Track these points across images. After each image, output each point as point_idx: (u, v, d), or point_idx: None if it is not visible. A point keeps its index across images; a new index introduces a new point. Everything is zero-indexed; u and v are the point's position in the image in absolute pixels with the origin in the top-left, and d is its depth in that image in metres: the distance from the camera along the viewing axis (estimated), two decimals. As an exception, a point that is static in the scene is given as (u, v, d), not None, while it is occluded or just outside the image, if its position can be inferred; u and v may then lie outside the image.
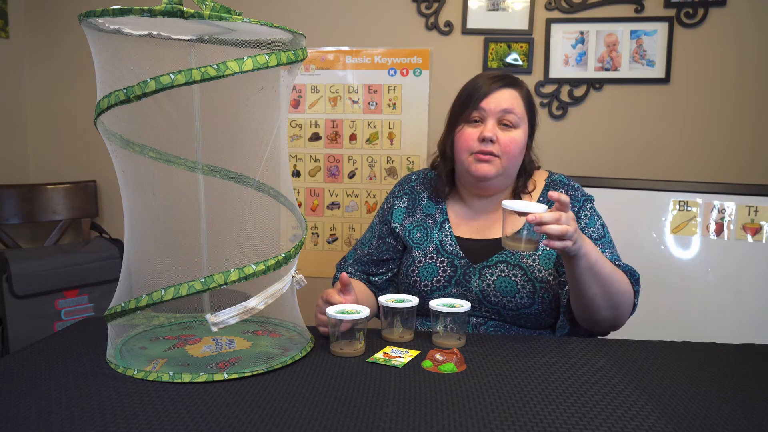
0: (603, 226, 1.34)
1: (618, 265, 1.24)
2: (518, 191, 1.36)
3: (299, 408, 0.84)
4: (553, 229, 1.05)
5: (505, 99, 1.29)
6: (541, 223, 1.05)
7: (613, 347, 1.12)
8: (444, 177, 1.38)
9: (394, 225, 1.39)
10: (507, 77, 1.32)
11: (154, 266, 1.07)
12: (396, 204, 1.42)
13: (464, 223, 1.36)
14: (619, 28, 2.25)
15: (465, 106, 1.30)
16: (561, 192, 1.34)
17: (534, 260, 1.28)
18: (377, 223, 1.44)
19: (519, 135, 1.29)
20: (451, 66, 2.34)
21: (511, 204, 1.09)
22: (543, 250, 1.28)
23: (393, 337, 1.14)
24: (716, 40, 2.22)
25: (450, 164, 1.36)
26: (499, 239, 1.30)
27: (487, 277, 1.28)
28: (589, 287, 1.15)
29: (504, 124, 1.28)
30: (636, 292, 1.24)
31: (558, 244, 1.06)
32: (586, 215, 1.32)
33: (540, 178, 1.39)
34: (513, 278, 1.26)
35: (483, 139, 1.26)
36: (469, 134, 1.29)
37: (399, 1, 2.36)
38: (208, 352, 1.06)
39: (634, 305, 1.24)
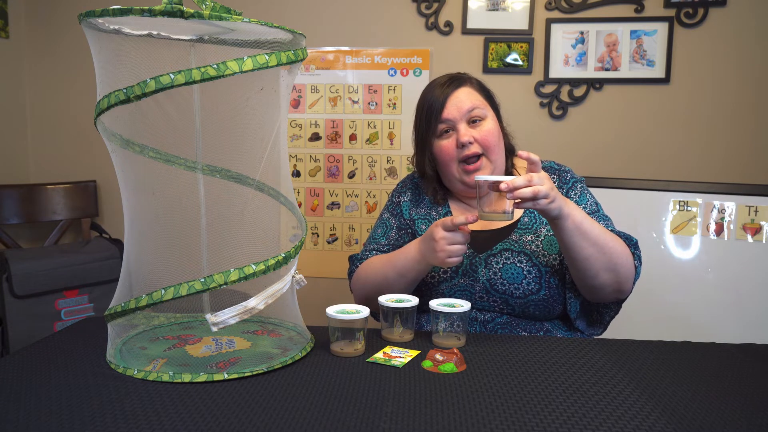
0: (596, 203, 1.34)
1: (615, 233, 1.24)
2: (509, 172, 1.38)
3: (299, 408, 0.84)
4: (525, 192, 1.08)
5: (462, 99, 1.30)
6: (514, 189, 1.08)
7: (613, 347, 1.12)
8: (436, 189, 1.39)
9: (405, 216, 1.42)
10: (454, 78, 1.34)
11: (154, 266, 1.07)
12: (402, 199, 1.44)
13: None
14: (619, 28, 2.25)
15: (429, 122, 1.31)
16: (553, 178, 1.36)
17: (537, 246, 1.28)
18: (389, 217, 1.45)
19: (491, 124, 1.31)
20: (452, 66, 2.33)
21: (484, 177, 1.13)
22: (545, 235, 1.29)
23: (393, 337, 1.14)
24: (716, 40, 2.22)
25: (434, 182, 1.37)
26: (501, 229, 1.31)
27: (493, 265, 1.28)
28: (582, 248, 1.16)
29: (473, 121, 1.30)
30: (635, 256, 1.23)
31: (529, 205, 1.10)
32: (575, 194, 1.34)
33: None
34: (518, 264, 1.27)
35: (462, 145, 1.27)
36: (446, 146, 1.30)
37: (399, 1, 2.36)
38: (208, 352, 1.06)
39: (637, 270, 1.23)
